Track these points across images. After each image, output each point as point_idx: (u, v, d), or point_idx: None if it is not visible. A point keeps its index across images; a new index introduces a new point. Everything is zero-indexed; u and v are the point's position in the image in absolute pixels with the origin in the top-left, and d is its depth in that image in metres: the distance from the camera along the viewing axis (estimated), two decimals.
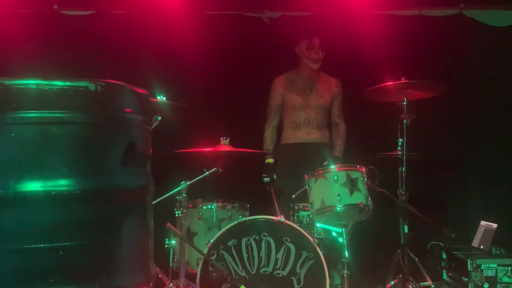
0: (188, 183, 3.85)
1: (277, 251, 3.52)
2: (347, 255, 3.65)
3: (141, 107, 2.15)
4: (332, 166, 3.73)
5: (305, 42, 4.48)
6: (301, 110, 4.48)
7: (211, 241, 3.55)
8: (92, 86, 1.95)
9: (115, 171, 2.01)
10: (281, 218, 3.57)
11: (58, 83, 1.91)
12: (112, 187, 2.00)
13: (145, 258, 2.15)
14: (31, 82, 1.89)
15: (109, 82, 2.01)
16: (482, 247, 4.23)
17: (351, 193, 3.64)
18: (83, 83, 1.94)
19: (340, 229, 3.75)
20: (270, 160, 4.50)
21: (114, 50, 4.68)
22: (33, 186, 1.87)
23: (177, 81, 4.55)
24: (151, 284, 2.21)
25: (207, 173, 3.92)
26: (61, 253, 1.86)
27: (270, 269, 3.51)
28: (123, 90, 2.08)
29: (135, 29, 4.53)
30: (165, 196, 3.82)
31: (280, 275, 3.50)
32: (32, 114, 1.88)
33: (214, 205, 4.02)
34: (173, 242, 3.85)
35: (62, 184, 1.90)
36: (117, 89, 2.05)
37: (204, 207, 4.02)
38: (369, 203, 3.66)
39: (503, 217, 4.43)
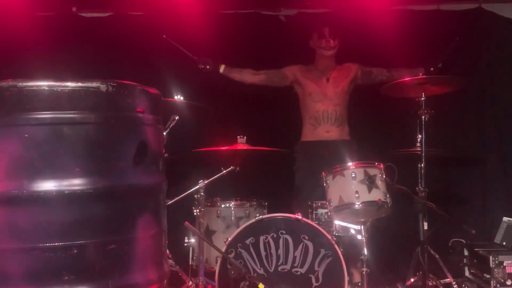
0: (206, 182, 3.88)
1: (295, 248, 3.50)
2: (366, 253, 3.63)
3: (152, 106, 2.17)
4: (350, 163, 3.71)
5: (316, 33, 4.53)
6: (319, 101, 4.46)
7: (229, 239, 3.56)
8: (103, 87, 1.98)
9: (127, 170, 2.03)
10: (299, 216, 3.57)
11: (70, 84, 1.94)
12: (125, 185, 2.02)
13: (158, 256, 2.17)
14: (43, 84, 1.93)
15: (120, 82, 2.04)
16: (504, 243, 4.17)
17: (370, 190, 3.63)
18: (94, 84, 1.97)
19: (359, 227, 3.73)
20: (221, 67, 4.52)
21: (132, 51, 4.73)
22: (47, 185, 1.91)
23: (194, 81, 4.57)
24: (165, 281, 2.23)
25: (224, 171, 3.94)
26: (75, 251, 1.89)
27: (288, 266, 3.50)
28: (134, 90, 2.10)
29: (153, 30, 4.56)
30: (183, 195, 3.86)
31: (299, 273, 3.49)
32: (45, 115, 1.92)
33: (232, 204, 4.05)
34: (192, 240, 3.88)
35: (75, 183, 1.93)
36: (128, 89, 2.07)
37: (223, 206, 4.05)
38: (388, 200, 3.64)
39: None
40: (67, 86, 1.93)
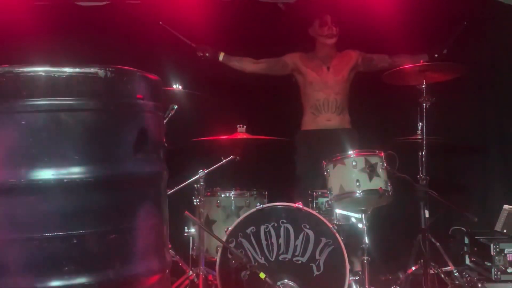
0: (205, 172, 3.85)
1: (296, 237, 3.49)
2: (367, 241, 3.62)
3: (152, 93, 2.12)
4: (350, 152, 3.68)
5: (317, 20, 4.48)
6: (320, 90, 4.43)
7: (230, 228, 3.54)
8: (102, 72, 1.93)
9: (127, 158, 1.99)
10: (300, 205, 3.54)
11: (68, 70, 1.89)
12: (125, 174, 1.98)
13: (159, 246, 2.13)
14: (40, 70, 1.87)
15: (119, 67, 1.99)
16: (505, 231, 4.16)
17: (370, 178, 3.60)
18: (93, 69, 1.92)
19: (360, 215, 3.71)
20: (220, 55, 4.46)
21: (129, 40, 4.67)
22: (45, 174, 1.86)
23: (193, 70, 4.52)
24: (167, 271, 2.19)
25: (224, 161, 3.91)
26: (75, 241, 1.85)
27: (289, 256, 3.49)
28: (134, 76, 2.05)
29: (150, 18, 4.50)
30: (183, 184, 3.83)
31: (300, 262, 3.47)
32: (42, 101, 1.87)
33: (232, 193, 4.03)
34: (192, 230, 3.87)
35: (74, 171, 1.88)
36: (127, 75, 2.02)
37: (223, 195, 4.03)
38: (389, 188, 3.62)
39: None
40: (65, 72, 1.88)
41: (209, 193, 4.01)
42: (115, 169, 1.95)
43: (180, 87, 3.83)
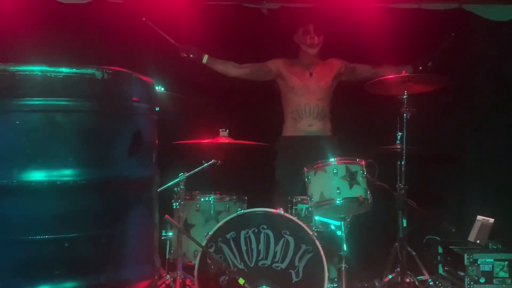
0: (186, 175, 3.82)
1: (276, 243, 3.50)
2: (345, 248, 3.64)
3: (147, 95, 2.11)
4: (332, 159, 3.71)
5: (301, 28, 4.50)
6: (301, 95, 4.43)
7: (210, 233, 3.52)
8: (99, 74, 1.90)
9: (121, 161, 1.96)
10: (281, 211, 3.55)
11: (64, 70, 1.85)
12: (118, 177, 1.95)
13: (150, 251, 2.11)
14: (36, 69, 1.84)
15: (116, 69, 1.97)
16: (478, 241, 4.23)
17: (351, 186, 3.63)
18: (90, 70, 1.89)
19: (339, 222, 3.74)
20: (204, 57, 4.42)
21: (111, 40, 4.59)
22: (38, 175, 1.82)
23: (176, 72, 4.48)
24: (156, 277, 2.17)
25: (205, 165, 3.88)
26: (66, 244, 1.82)
27: (269, 261, 3.49)
28: (130, 78, 2.03)
29: (133, 18, 4.43)
30: (163, 187, 3.78)
31: (279, 268, 3.48)
32: (37, 101, 1.83)
33: (212, 197, 4.00)
34: (170, 234, 3.83)
35: (67, 173, 1.85)
36: (124, 77, 2.00)
37: (202, 199, 4.00)
38: (368, 196, 3.66)
39: (500, 212, 4.42)
40: (61, 72, 1.85)
41: (188, 197, 3.96)
42: (109, 172, 1.92)
43: (162, 88, 3.79)
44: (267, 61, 4.52)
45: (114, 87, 1.96)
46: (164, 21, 4.39)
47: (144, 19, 4.22)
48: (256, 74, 4.51)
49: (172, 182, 3.80)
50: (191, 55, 4.35)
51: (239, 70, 4.48)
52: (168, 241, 3.89)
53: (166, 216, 3.40)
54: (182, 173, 3.81)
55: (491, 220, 4.21)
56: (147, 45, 4.54)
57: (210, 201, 3.99)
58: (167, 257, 3.91)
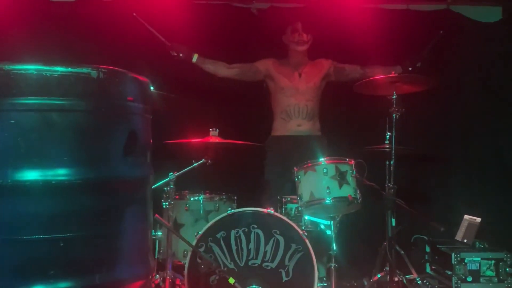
0: (176, 174, 3.81)
1: (266, 243, 3.50)
2: (335, 248, 3.66)
3: (142, 95, 2.10)
4: (322, 159, 3.72)
5: (289, 27, 4.51)
6: (291, 96, 4.44)
7: (200, 233, 3.51)
8: (94, 73, 1.89)
9: (116, 161, 1.95)
10: (271, 210, 3.56)
11: (60, 69, 1.84)
12: (114, 177, 1.94)
13: (145, 251, 2.10)
14: (31, 68, 1.82)
15: (111, 69, 1.96)
16: (465, 240, 4.28)
17: (340, 186, 3.65)
18: (85, 70, 1.88)
19: (329, 222, 3.76)
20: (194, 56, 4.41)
21: (100, 39, 4.55)
22: (33, 175, 1.81)
23: (165, 71, 4.45)
24: (150, 277, 2.16)
25: (195, 164, 3.87)
26: (61, 244, 1.80)
27: (259, 261, 3.50)
28: (125, 78, 2.02)
29: (122, 17, 4.41)
30: (153, 187, 3.75)
31: (269, 267, 3.48)
32: (33, 100, 1.82)
33: (201, 197, 4.00)
34: (159, 233, 3.81)
35: (62, 173, 1.84)
36: (119, 76, 1.99)
37: (192, 199, 4.00)
38: (358, 196, 3.67)
39: (487, 211, 4.47)
40: (56, 71, 1.83)
41: (177, 196, 3.95)
42: (104, 172, 1.91)
43: (152, 88, 3.77)
44: (256, 62, 4.52)
45: (110, 86, 1.95)
46: (153, 19, 4.37)
47: (134, 14, 4.19)
48: (245, 74, 4.51)
49: (162, 182, 3.78)
50: (181, 54, 4.34)
51: (228, 70, 4.47)
52: (157, 241, 3.87)
53: (156, 215, 3.37)
54: (172, 173, 3.80)
55: (478, 219, 4.26)
56: (137, 44, 4.51)
57: (200, 200, 3.98)
58: (156, 256, 3.89)
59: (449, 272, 4.02)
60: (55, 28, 4.60)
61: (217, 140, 3.85)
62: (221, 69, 4.46)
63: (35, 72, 1.82)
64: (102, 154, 1.93)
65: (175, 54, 4.34)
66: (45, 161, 1.82)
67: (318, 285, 3.53)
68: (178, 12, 4.46)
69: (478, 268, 3.99)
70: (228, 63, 4.48)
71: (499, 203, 4.81)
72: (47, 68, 1.83)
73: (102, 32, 4.56)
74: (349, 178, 3.68)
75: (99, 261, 1.89)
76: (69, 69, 1.86)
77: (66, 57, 4.21)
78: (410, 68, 4.33)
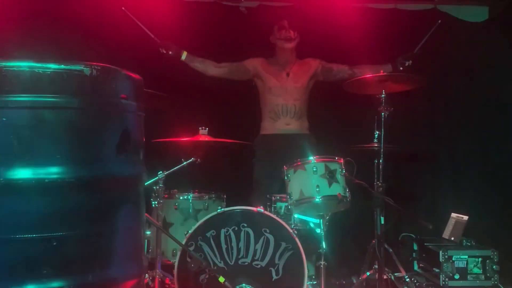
0: (165, 173, 3.79)
1: (256, 242, 3.50)
2: (324, 246, 3.67)
3: (135, 93, 2.08)
4: (311, 158, 3.73)
5: (276, 26, 4.50)
6: (279, 95, 4.45)
7: (190, 231, 3.50)
8: (87, 70, 1.87)
9: (109, 159, 1.93)
10: (261, 209, 3.56)
11: (52, 66, 1.81)
12: (107, 175, 1.92)
13: (138, 249, 2.08)
14: (24, 64, 1.79)
15: (104, 66, 1.94)
16: (452, 238, 4.31)
17: (330, 184, 3.66)
18: (78, 67, 1.85)
19: (318, 220, 3.76)
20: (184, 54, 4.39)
21: (88, 35, 4.51)
22: (25, 173, 1.78)
23: (154, 69, 4.42)
24: (143, 276, 2.15)
25: (185, 163, 3.86)
26: (54, 243, 1.78)
27: (249, 260, 3.49)
28: (118, 75, 2.00)
29: (110, 14, 4.38)
30: None
31: (259, 266, 3.48)
32: (25, 98, 1.78)
33: (190, 196, 4.00)
34: (148, 232, 3.78)
35: (55, 171, 1.81)
36: (112, 73, 1.97)
37: (181, 198, 3.99)
38: (347, 194, 3.69)
39: (474, 209, 4.51)
40: (49, 68, 1.80)
41: (166, 196, 3.94)
42: (97, 170, 1.89)
43: None
44: (245, 61, 4.52)
45: (103, 83, 1.93)
46: (141, 17, 4.34)
47: (123, 8, 4.16)
48: (234, 73, 4.50)
49: (151, 181, 3.75)
50: (170, 52, 4.32)
51: (217, 69, 4.47)
52: (146, 240, 3.85)
53: (146, 214, 3.36)
54: (161, 171, 3.78)
55: (465, 217, 4.30)
56: (125, 43, 4.48)
57: (189, 199, 3.98)
58: None
59: (437, 270, 4.06)
60: (44, 24, 4.54)
61: (206, 139, 3.84)
62: (210, 68, 4.45)
63: (27, 69, 1.79)
64: (95, 152, 1.90)
65: (164, 51, 4.32)
66: (37, 159, 1.79)
67: (308, 283, 3.54)
68: (166, 10, 4.45)
69: (465, 265, 4.02)
70: (217, 61, 4.48)
71: (486, 201, 4.86)
72: (40, 65, 1.80)
73: (88, 30, 4.51)
74: (339, 176, 3.69)
75: (92, 260, 1.87)
76: (62, 66, 1.83)
77: (56, 53, 4.16)
78: (401, 68, 4.34)
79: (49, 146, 1.82)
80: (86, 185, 1.86)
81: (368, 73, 4.01)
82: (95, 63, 1.91)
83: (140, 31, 4.22)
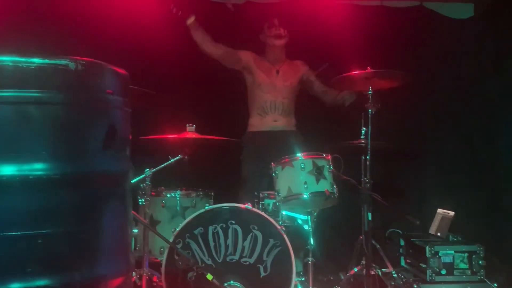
0: (152, 171, 3.76)
1: (244, 239, 3.49)
2: (312, 242, 3.67)
3: (121, 88, 2.05)
4: (299, 154, 3.73)
5: (266, 23, 4.51)
6: (267, 92, 4.46)
7: (177, 229, 3.49)
8: (72, 65, 1.84)
9: (95, 155, 1.90)
10: (249, 206, 3.55)
11: (36, 61, 1.78)
12: (93, 171, 1.89)
13: (125, 247, 2.06)
14: (7, 59, 1.75)
15: (90, 60, 1.91)
16: (439, 234, 4.34)
17: (317, 181, 3.66)
18: (63, 61, 1.82)
19: (306, 217, 3.76)
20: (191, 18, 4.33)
21: (75, 32, 4.47)
22: (9, 170, 1.74)
23: (141, 66, 4.39)
24: (130, 273, 2.13)
25: (172, 160, 3.84)
26: (40, 241, 1.74)
27: (237, 257, 3.49)
28: (104, 70, 1.97)
29: (98, 10, 4.34)
30: None
31: (247, 263, 3.48)
32: (8, 93, 1.75)
33: (178, 193, 3.97)
34: (135, 230, 3.75)
35: (40, 168, 1.77)
36: (98, 68, 1.94)
37: (168, 195, 3.97)
38: (335, 190, 3.69)
39: (460, 205, 4.53)
40: (33, 63, 1.77)
41: (154, 193, 3.92)
42: (83, 167, 1.86)
43: None
44: (239, 51, 4.53)
45: (88, 78, 1.90)
46: (129, 14, 4.31)
47: (133, 212, 4.08)
48: (226, 59, 4.49)
49: (137, 178, 3.73)
50: (180, 12, 4.24)
51: (213, 48, 4.43)
52: (133, 238, 3.82)
53: (133, 212, 3.33)
54: (147, 169, 3.76)
55: (452, 213, 4.32)
56: (112, 40, 4.45)
57: (176, 197, 3.96)
58: None
59: (424, 265, 4.07)
60: (29, 18, 4.47)
61: (193, 136, 3.83)
62: (207, 44, 4.40)
63: (11, 64, 1.76)
64: (81, 148, 1.87)
65: (175, 10, 4.24)
66: (21, 155, 1.76)
67: (296, 279, 3.53)
68: (153, 6, 4.39)
69: (452, 261, 4.04)
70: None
71: (472, 197, 4.89)
72: (24, 59, 1.77)
73: (76, 27, 4.48)
74: (326, 173, 3.69)
75: (79, 257, 1.84)
76: (46, 60, 1.80)
77: (40, 48, 4.11)
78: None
79: (34, 142, 1.78)
80: (71, 182, 1.83)
81: (331, 98, 4.34)
82: (80, 58, 1.88)
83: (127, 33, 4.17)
